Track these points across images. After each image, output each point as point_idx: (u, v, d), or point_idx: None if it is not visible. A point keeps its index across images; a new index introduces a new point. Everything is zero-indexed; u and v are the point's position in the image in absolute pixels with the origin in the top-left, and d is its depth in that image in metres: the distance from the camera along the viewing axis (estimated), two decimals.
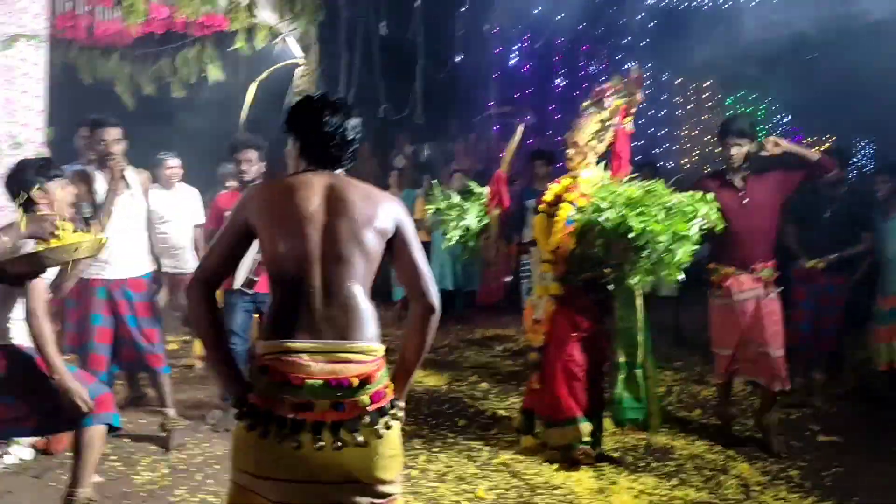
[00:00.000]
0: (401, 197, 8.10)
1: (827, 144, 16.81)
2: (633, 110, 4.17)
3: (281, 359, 1.95)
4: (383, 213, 2.09)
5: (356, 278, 2.04)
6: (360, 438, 1.95)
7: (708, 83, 15.85)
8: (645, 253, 3.62)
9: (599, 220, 3.69)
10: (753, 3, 10.32)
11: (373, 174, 10.98)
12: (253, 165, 4.61)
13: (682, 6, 10.54)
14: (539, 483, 3.71)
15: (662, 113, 14.63)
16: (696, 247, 3.66)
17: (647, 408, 4.12)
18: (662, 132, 14.95)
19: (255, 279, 4.45)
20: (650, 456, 4.10)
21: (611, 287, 4.02)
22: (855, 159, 15.42)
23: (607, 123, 4.06)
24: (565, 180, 4.12)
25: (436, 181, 6.08)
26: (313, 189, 2.08)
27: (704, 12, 10.52)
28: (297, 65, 5.80)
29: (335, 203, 2.07)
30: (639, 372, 4.06)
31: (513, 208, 4.64)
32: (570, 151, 4.09)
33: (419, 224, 8.12)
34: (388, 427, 2.01)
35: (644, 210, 3.62)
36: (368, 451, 1.97)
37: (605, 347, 4.04)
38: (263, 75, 5.61)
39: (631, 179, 4.01)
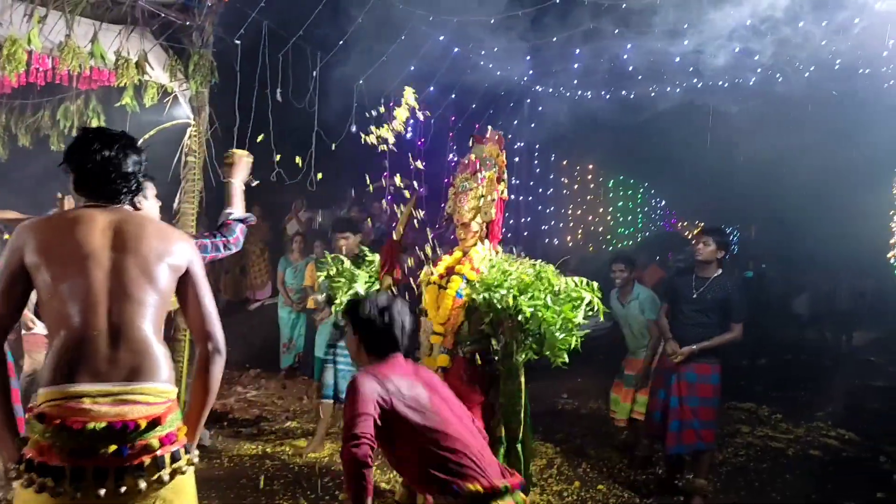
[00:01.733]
0: (302, 263, 8.05)
1: (698, 229, 18.10)
2: (503, 176, 4.24)
3: (61, 405, 1.79)
4: (177, 249, 2.03)
5: (146, 317, 1.93)
6: (143, 485, 1.82)
7: (590, 166, 16.78)
8: (532, 334, 3.74)
9: (491, 298, 3.78)
10: (632, 96, 11.09)
11: (264, 238, 10.85)
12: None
13: (568, 94, 11.19)
14: None
15: (550, 192, 15.31)
16: (584, 332, 3.80)
17: (526, 483, 4.18)
18: (549, 210, 15.61)
19: None
20: None
21: (497, 359, 4.09)
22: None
23: (489, 199, 4.16)
24: (457, 253, 4.20)
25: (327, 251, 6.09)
26: (96, 224, 1.97)
27: (588, 101, 11.21)
28: (188, 125, 5.69)
29: (122, 239, 1.96)
30: (519, 447, 4.12)
31: (405, 278, 4.67)
32: (460, 231, 4.17)
33: (309, 291, 8.05)
34: (181, 472, 1.90)
35: (534, 294, 3.74)
36: (158, 501, 1.85)
37: (489, 420, 4.07)
38: (149, 134, 5.45)
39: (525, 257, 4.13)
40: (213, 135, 5.88)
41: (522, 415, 4.10)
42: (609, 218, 17.13)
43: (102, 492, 1.76)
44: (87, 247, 1.92)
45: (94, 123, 5.73)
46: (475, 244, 4.15)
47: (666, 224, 17.98)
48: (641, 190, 17.77)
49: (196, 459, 1.98)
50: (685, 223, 18.20)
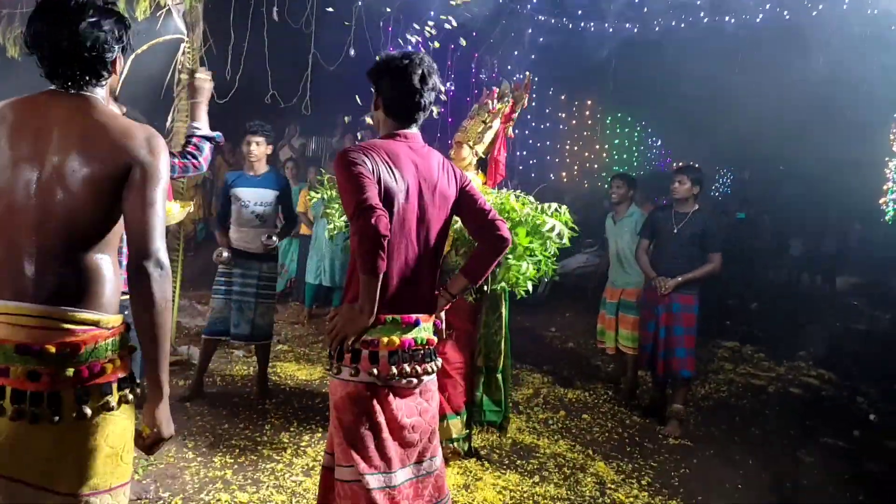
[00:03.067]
0: (295, 189, 7.94)
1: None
2: (515, 115, 4.26)
3: None
4: (113, 153, 1.70)
5: (79, 236, 1.71)
6: (56, 418, 1.65)
7: (589, 102, 16.57)
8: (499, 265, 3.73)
9: (462, 230, 3.76)
10: (635, 30, 10.86)
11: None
12: None
13: (570, 26, 10.94)
14: None
15: (545, 125, 15.15)
16: (543, 259, 3.79)
17: (504, 411, 4.31)
18: (545, 144, 15.47)
19: None
20: (514, 454, 4.22)
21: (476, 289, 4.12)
22: (717, 184, 16.61)
23: (489, 124, 4.14)
24: None
25: (323, 171, 5.99)
26: (40, 118, 1.71)
27: (590, 33, 10.98)
28: (181, 41, 5.54)
29: (64, 138, 1.69)
30: (499, 376, 4.21)
31: None
32: (451, 152, 4.16)
33: (302, 217, 8.01)
34: (107, 409, 1.71)
35: None
36: (62, 440, 1.68)
37: (475, 348, 4.12)
38: (141, 48, 5.30)
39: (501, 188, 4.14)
40: (207, 52, 5.74)
41: (503, 345, 4.17)
42: (605, 155, 16.99)
43: (11, 410, 1.64)
44: (19, 149, 1.69)
45: None
46: (465, 169, 4.09)
47: (661, 164, 17.91)
48: (639, 128, 17.59)
49: (131, 397, 1.79)
50: (680, 163, 18.13)
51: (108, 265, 1.77)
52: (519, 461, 4.12)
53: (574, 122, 16.53)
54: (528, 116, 14.19)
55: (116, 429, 1.75)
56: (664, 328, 4.96)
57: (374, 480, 2.20)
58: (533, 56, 11.92)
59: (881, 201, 13.97)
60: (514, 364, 6.26)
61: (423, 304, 2.36)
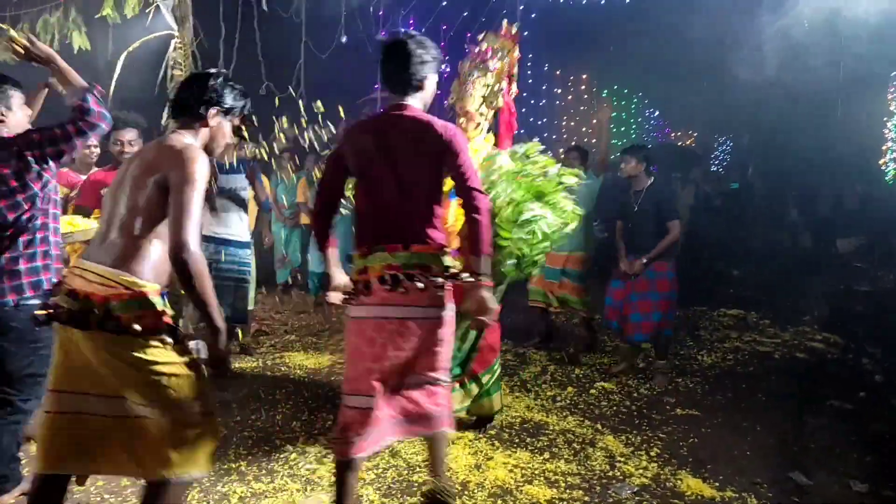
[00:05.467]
0: (294, 179, 7.95)
1: (691, 139, 17.97)
2: (514, 70, 4.16)
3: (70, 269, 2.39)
4: (156, 165, 2.35)
5: (133, 221, 2.33)
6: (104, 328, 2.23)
7: (584, 76, 16.49)
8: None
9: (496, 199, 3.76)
10: (628, 1, 10.79)
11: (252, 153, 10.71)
12: (133, 146, 4.53)
13: (563, 1, 10.87)
14: (418, 462, 3.78)
15: (542, 103, 15.09)
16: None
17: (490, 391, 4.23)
18: (541, 122, 15.42)
19: None
20: (524, 432, 4.27)
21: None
22: (717, 152, 16.55)
23: (495, 88, 4.05)
24: None
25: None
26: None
27: (582, 6, 10.90)
28: (172, 36, 5.52)
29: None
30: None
31: None
32: (462, 120, 4.05)
33: (303, 207, 8.03)
34: (132, 329, 2.23)
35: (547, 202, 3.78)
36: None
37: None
38: (132, 46, 5.30)
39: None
40: (198, 46, 5.73)
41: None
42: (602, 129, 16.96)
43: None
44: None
45: (75, 36, 5.56)
46: (478, 135, 4.06)
47: (659, 135, 17.84)
48: (635, 100, 17.53)
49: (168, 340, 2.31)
50: (678, 134, 18.06)
51: (151, 245, 2.35)
52: (529, 439, 4.16)
53: (570, 97, 16.47)
54: (524, 94, 14.11)
55: (160, 360, 2.31)
56: (637, 293, 5.31)
57: None
58: (526, 33, 11.83)
59: (881, 162, 13.93)
60: (521, 342, 6.31)
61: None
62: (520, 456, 3.89)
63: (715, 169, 15.23)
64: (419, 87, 2.86)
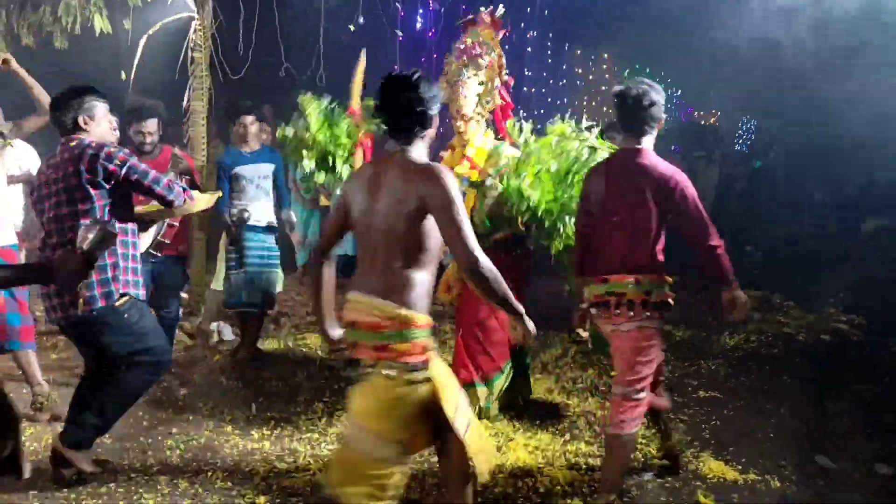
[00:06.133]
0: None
1: (714, 118, 17.73)
2: (503, 60, 4.03)
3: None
4: (410, 191, 2.33)
5: (391, 251, 2.36)
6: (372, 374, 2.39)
7: (605, 55, 16.29)
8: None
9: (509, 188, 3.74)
10: None
11: (273, 136, 10.72)
12: (154, 136, 4.59)
13: None
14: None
15: (561, 82, 14.93)
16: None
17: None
18: (562, 101, 15.27)
19: (166, 242, 4.45)
20: (545, 414, 4.27)
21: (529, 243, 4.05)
22: (741, 131, 16.31)
23: (490, 87, 3.95)
24: (457, 153, 4.07)
25: None
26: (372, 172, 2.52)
27: None
28: (192, 19, 5.53)
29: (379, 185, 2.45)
30: None
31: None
32: (460, 124, 3.98)
33: (323, 189, 8.02)
34: (390, 378, 2.34)
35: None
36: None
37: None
38: (153, 29, 5.32)
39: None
40: (217, 29, 5.73)
41: None
42: None
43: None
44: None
45: (97, 19, 5.58)
46: (478, 133, 4.00)
47: (682, 114, 17.60)
48: (657, 80, 17.23)
49: (425, 376, 2.35)
50: (701, 113, 17.81)
51: (410, 272, 2.36)
52: (549, 420, 4.16)
53: (591, 77, 16.28)
54: (544, 74, 13.99)
55: (409, 396, 2.36)
56: None
57: None
58: (546, 11, 11.71)
59: None
60: (542, 327, 6.28)
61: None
62: (541, 437, 3.90)
63: (739, 148, 15.00)
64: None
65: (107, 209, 3.13)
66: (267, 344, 5.69)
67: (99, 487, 3.22)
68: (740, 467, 3.59)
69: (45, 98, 3.37)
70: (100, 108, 3.25)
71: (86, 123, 3.20)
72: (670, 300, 3.12)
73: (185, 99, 5.68)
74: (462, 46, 4.00)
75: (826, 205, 11.45)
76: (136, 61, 5.59)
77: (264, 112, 5.78)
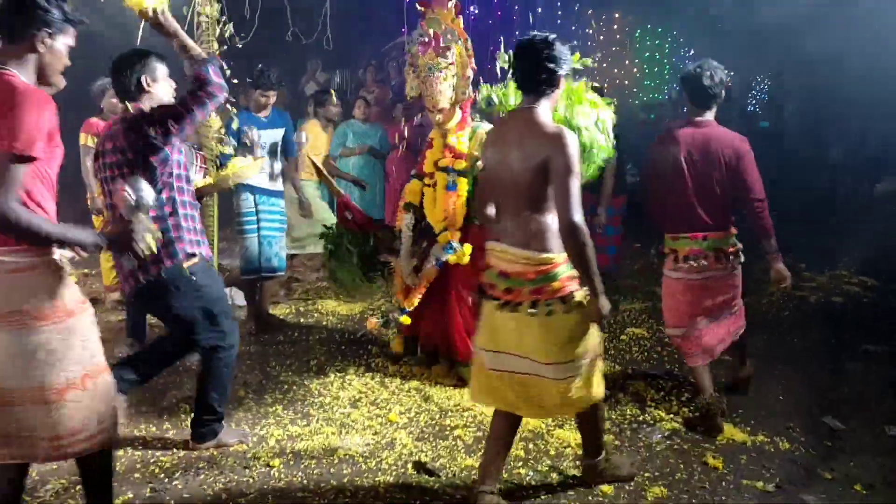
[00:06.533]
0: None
1: (727, 80, 17.45)
2: (469, 45, 3.99)
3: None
4: (533, 149, 2.63)
5: (523, 202, 2.68)
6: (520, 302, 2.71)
7: (616, 15, 16.01)
8: None
9: None
10: None
11: (283, 102, 10.65)
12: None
13: None
14: (450, 406, 3.84)
15: (572, 44, 14.69)
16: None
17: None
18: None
19: None
20: None
21: None
22: (754, 91, 16.06)
23: (463, 76, 3.97)
24: (437, 142, 4.12)
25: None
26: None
27: None
28: None
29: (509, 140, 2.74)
30: None
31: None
32: (438, 117, 4.02)
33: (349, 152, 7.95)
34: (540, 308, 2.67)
35: None
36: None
37: None
38: None
39: None
40: None
41: None
42: (635, 70, 16.49)
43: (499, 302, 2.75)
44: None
45: None
46: (453, 123, 4.05)
47: None
48: (670, 39, 16.96)
49: (577, 298, 2.66)
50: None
51: (539, 221, 2.66)
52: None
53: (602, 37, 16.02)
54: (559, 32, 13.74)
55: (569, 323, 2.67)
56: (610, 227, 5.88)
57: None
58: None
59: None
60: None
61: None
62: None
63: (751, 109, 14.77)
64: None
65: (165, 175, 3.06)
66: (279, 309, 5.74)
67: (115, 451, 3.28)
68: (749, 429, 3.61)
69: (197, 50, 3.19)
70: (161, 69, 3.21)
71: (149, 85, 3.15)
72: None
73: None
74: (426, 39, 3.97)
75: (839, 166, 11.29)
76: (141, 25, 5.53)
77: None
